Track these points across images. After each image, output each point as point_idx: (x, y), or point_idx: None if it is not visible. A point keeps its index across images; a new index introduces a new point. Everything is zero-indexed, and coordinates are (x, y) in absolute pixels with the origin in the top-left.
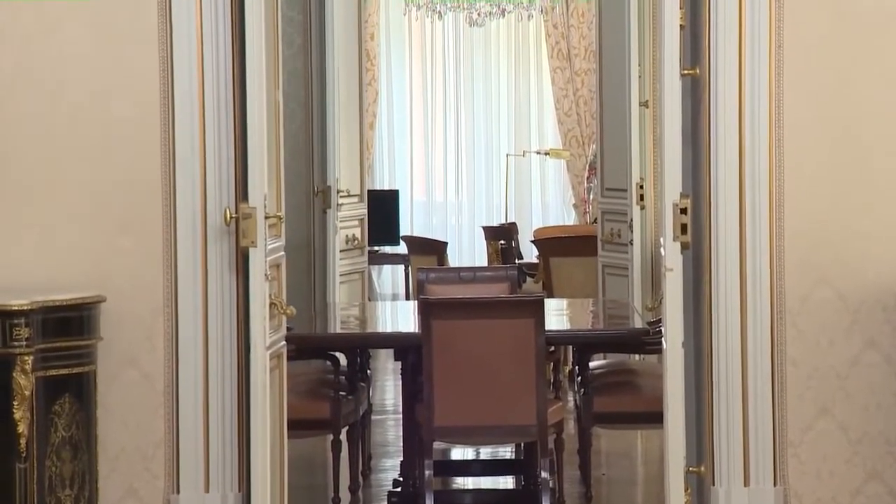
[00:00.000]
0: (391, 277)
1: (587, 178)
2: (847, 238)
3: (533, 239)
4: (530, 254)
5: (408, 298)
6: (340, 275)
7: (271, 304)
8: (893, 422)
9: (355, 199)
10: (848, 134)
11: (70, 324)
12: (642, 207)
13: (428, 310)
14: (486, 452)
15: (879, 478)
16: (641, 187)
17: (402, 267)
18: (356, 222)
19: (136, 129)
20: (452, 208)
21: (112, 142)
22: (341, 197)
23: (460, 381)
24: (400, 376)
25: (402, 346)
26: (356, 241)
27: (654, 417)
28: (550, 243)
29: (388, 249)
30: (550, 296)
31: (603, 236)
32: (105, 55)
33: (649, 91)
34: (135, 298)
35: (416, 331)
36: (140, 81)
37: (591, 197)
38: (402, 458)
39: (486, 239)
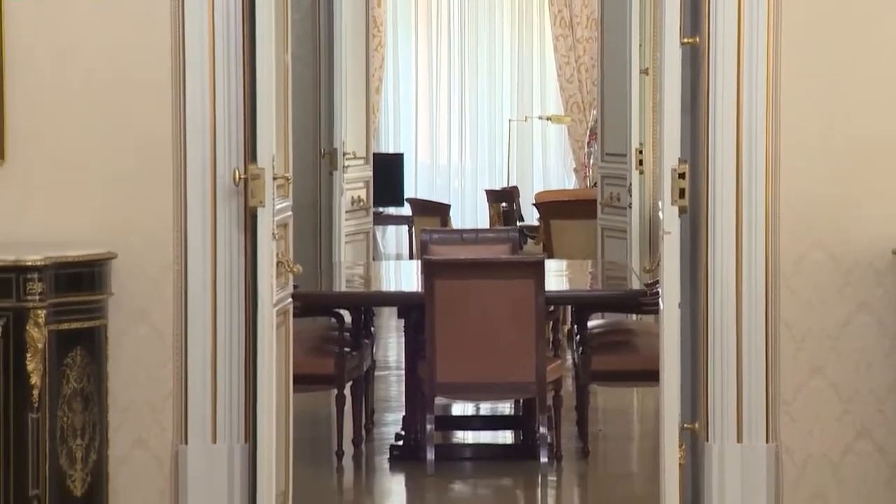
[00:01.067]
0: (395, 238)
1: (588, 144)
2: (841, 202)
3: (534, 202)
4: (531, 216)
5: (411, 258)
6: (346, 235)
7: (278, 263)
8: (883, 381)
9: (361, 162)
10: (844, 102)
11: (82, 279)
12: (641, 172)
13: (431, 270)
14: (485, 408)
15: (869, 436)
16: (640, 152)
17: (405, 228)
18: (362, 184)
19: (147, 92)
20: (456, 171)
21: (124, 104)
22: (347, 159)
23: (462, 338)
24: (403, 334)
25: (405, 304)
26: (361, 203)
27: (650, 375)
28: (551, 206)
29: (392, 211)
30: (550, 257)
31: (602, 200)
32: (117, 21)
33: (649, 59)
34: (145, 256)
35: (419, 290)
36: (151, 45)
37: (592, 161)
38: (403, 413)
39: (488, 201)
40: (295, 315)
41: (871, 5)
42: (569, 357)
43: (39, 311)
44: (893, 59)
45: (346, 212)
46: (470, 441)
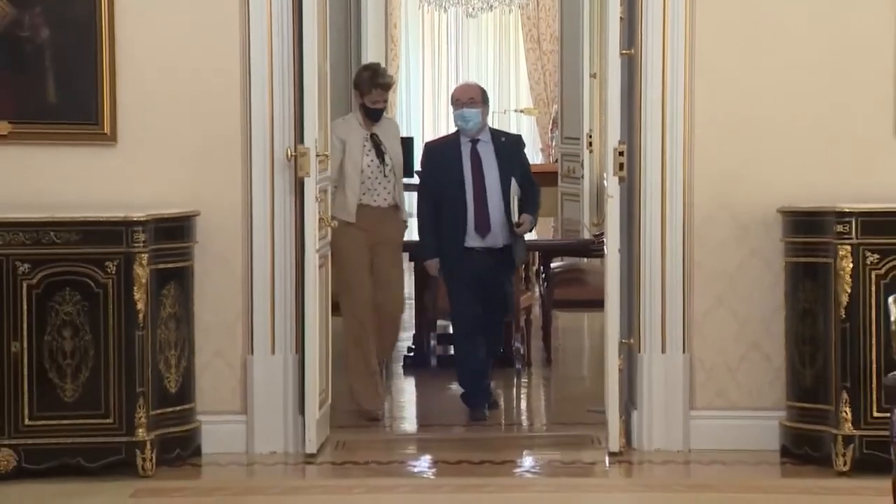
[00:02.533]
0: (407, 200)
1: (551, 130)
2: (740, 174)
3: None
4: None
5: None
6: None
7: (320, 219)
8: (769, 307)
9: None
10: (742, 98)
11: (174, 231)
12: (591, 151)
13: None
14: None
15: (757, 348)
16: (590, 136)
17: (414, 194)
18: None
19: (223, 90)
20: None
21: (206, 99)
22: None
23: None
24: (413, 272)
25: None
26: None
27: (597, 304)
28: None
29: (404, 180)
30: None
31: (562, 172)
32: (202, 36)
33: (597, 66)
34: (222, 213)
35: None
36: (227, 55)
37: (554, 143)
38: (414, 332)
39: None
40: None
41: (766, 25)
42: (537, 290)
43: (143, 255)
44: (779, 64)
45: None
46: None
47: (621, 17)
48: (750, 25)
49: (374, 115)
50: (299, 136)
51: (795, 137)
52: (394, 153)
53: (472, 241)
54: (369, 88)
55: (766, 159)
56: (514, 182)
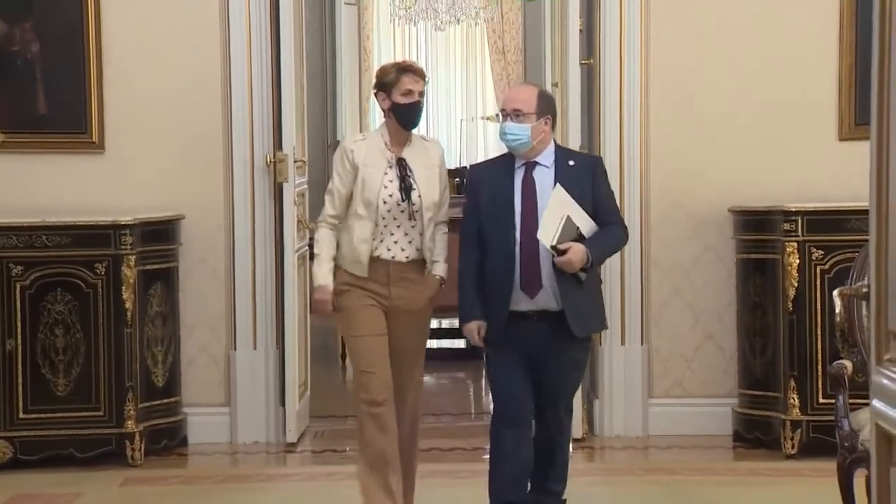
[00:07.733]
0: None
1: None
2: (693, 175)
3: None
4: None
5: None
6: None
7: (298, 222)
8: (722, 300)
9: None
10: (692, 104)
11: (160, 234)
12: None
13: None
14: (445, 322)
15: (712, 338)
16: None
17: None
18: None
19: (205, 102)
20: None
21: (189, 109)
22: None
23: None
24: None
25: None
26: None
27: None
28: None
29: None
30: None
31: None
32: (183, 52)
33: (558, 75)
34: (205, 217)
35: None
36: (207, 70)
37: None
38: None
39: None
40: (310, 258)
41: (716, 34)
42: None
43: (131, 257)
44: (729, 71)
45: None
46: (434, 346)
47: (580, 29)
48: (701, 35)
49: (408, 115)
50: (278, 143)
51: (745, 140)
52: (428, 188)
53: (521, 302)
54: (397, 77)
55: (718, 161)
56: (559, 188)
